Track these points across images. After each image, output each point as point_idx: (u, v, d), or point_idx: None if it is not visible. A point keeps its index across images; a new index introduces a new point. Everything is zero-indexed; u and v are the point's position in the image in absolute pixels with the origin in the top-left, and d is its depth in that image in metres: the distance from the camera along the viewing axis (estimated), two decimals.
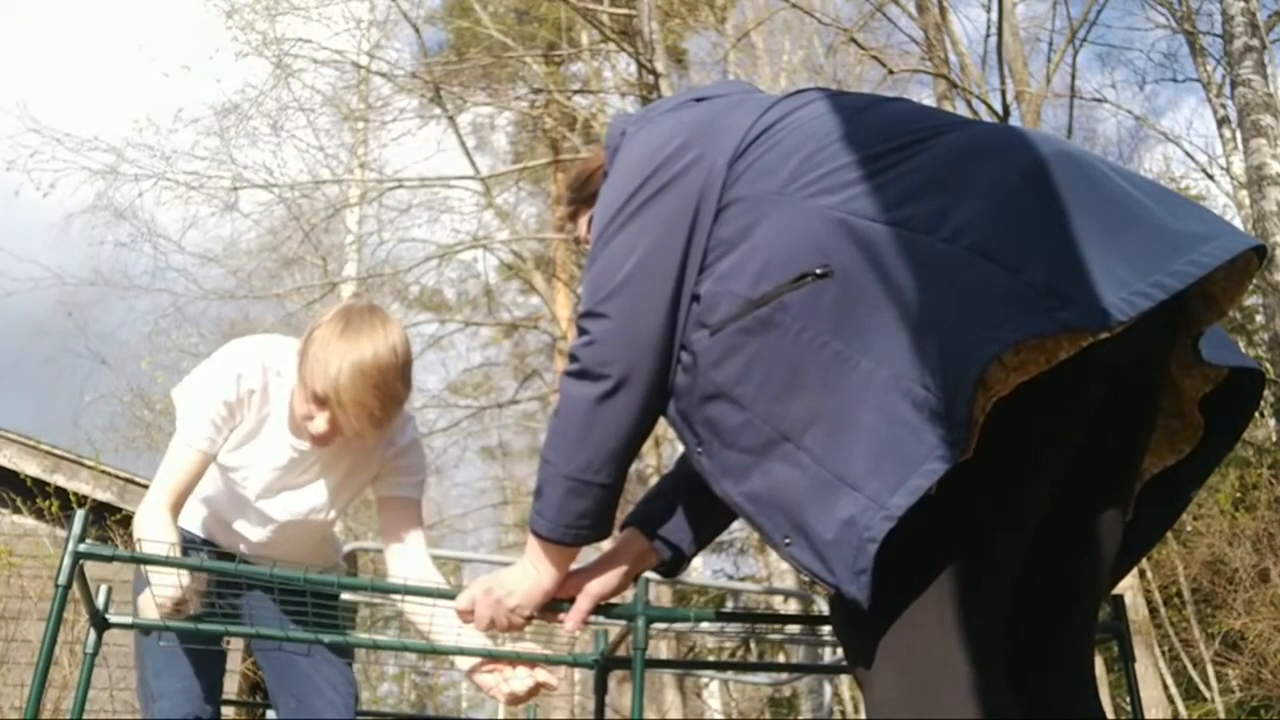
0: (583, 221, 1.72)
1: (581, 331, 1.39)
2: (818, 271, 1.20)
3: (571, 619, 1.66)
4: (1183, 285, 1.09)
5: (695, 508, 1.66)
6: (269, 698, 2.28)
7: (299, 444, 2.13)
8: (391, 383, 1.93)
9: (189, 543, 2.19)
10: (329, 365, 1.89)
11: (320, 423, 1.96)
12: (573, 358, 1.40)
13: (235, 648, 2.34)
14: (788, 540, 1.19)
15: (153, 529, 1.95)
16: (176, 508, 2.02)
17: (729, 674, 9.31)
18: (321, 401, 1.93)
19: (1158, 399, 1.32)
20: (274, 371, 2.11)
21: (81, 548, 1.67)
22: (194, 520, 2.26)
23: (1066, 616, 1.36)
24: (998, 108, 9.35)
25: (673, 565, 1.70)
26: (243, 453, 2.15)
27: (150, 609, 1.89)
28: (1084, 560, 1.35)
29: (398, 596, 1.95)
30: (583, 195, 1.71)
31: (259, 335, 2.21)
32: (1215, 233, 1.16)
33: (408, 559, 2.11)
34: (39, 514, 5.91)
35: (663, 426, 1.46)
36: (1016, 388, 1.12)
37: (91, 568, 1.83)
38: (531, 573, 1.56)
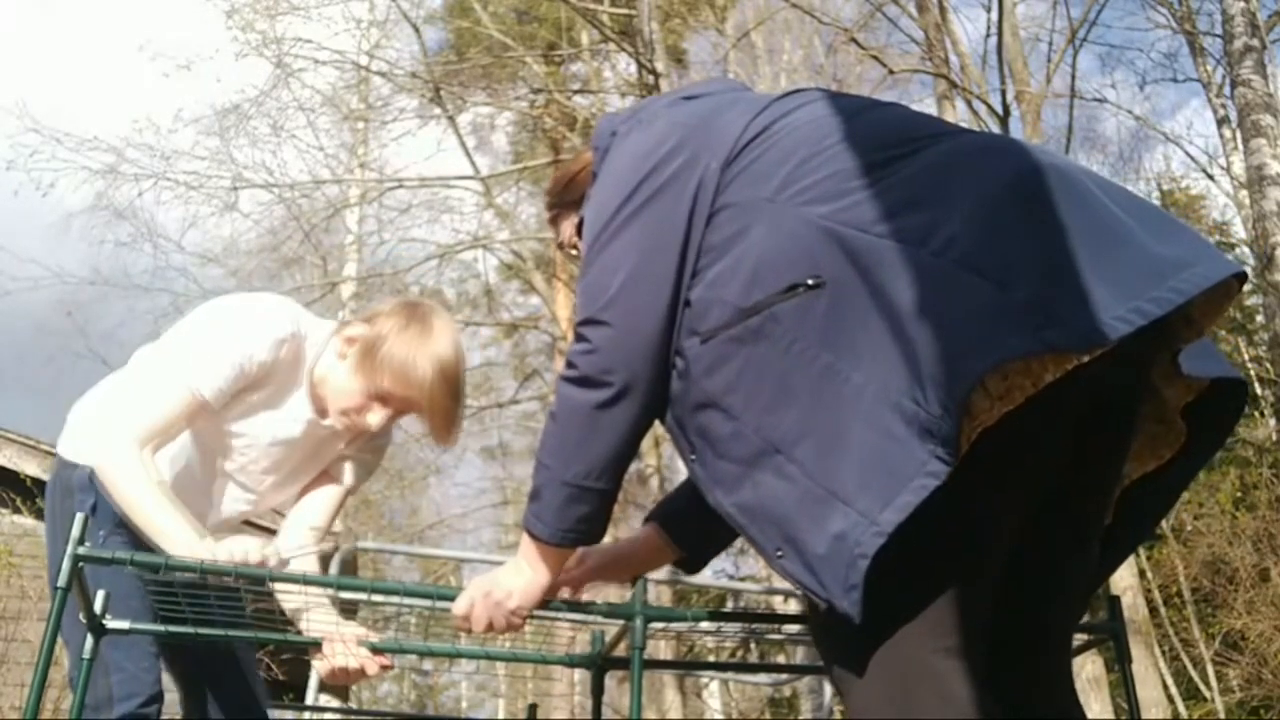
0: (565, 226, 1.71)
1: (580, 339, 1.38)
2: (809, 282, 1.20)
3: (569, 588, 1.75)
4: (1163, 312, 1.10)
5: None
6: (180, 687, 2.21)
7: (316, 420, 2.08)
8: (464, 386, 1.99)
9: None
10: (421, 374, 1.91)
11: (378, 418, 1.97)
12: (570, 364, 1.40)
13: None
14: (780, 553, 1.19)
15: (153, 493, 1.80)
16: (156, 450, 1.87)
17: (729, 674, 9.30)
18: (388, 401, 1.95)
19: (1136, 412, 1.33)
20: (304, 340, 2.05)
21: (81, 550, 1.66)
22: None
23: (1047, 623, 1.36)
24: (998, 108, 9.35)
25: (692, 563, 1.76)
26: (253, 421, 2.06)
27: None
28: (1063, 566, 1.36)
29: (395, 596, 1.95)
30: (565, 200, 1.70)
31: (279, 297, 2.12)
32: (1197, 257, 1.17)
33: (304, 525, 2.08)
34: (39, 514, 5.90)
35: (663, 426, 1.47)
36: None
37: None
38: (528, 572, 1.57)
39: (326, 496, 2.16)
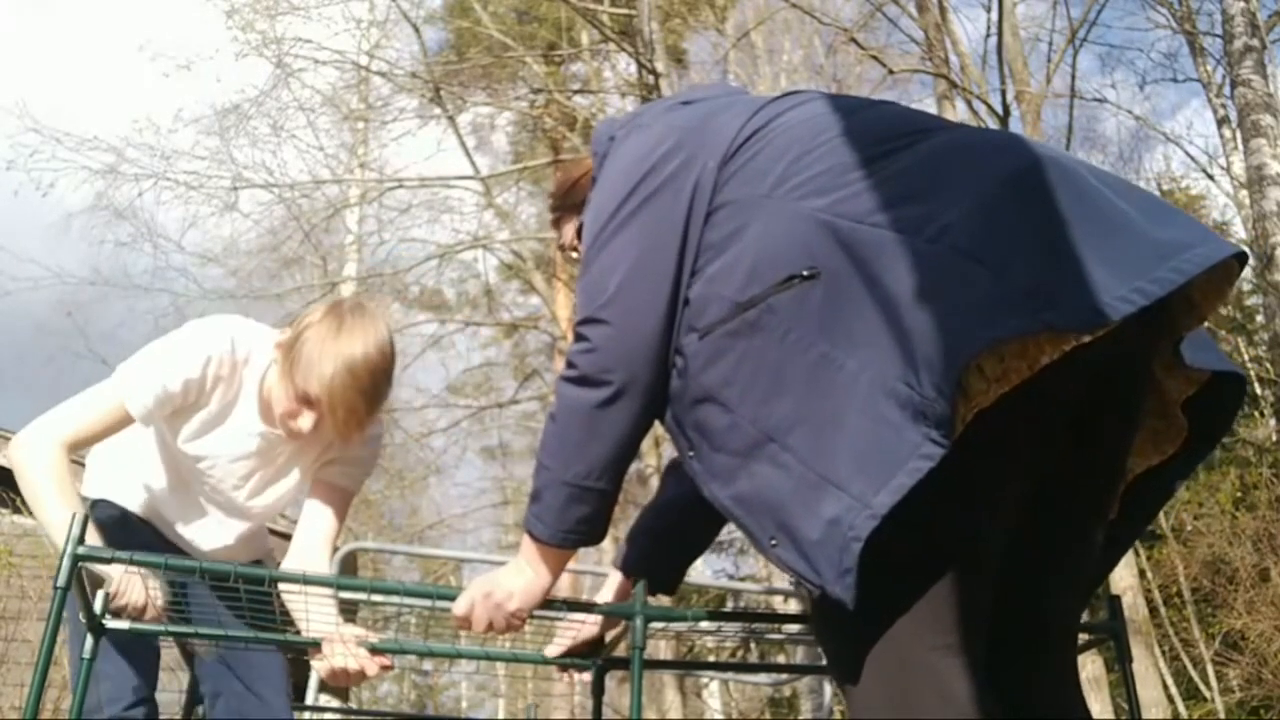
0: (567, 229, 1.74)
1: (579, 338, 1.39)
2: (804, 273, 1.21)
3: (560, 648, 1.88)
4: (1164, 292, 1.10)
5: (677, 537, 1.81)
6: (199, 687, 2.24)
7: (270, 431, 2.08)
8: (380, 385, 1.94)
9: (135, 535, 2.13)
10: (324, 370, 1.88)
11: (306, 422, 1.94)
12: (570, 364, 1.40)
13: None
14: (774, 542, 1.19)
15: (53, 486, 1.87)
16: (73, 452, 1.94)
17: (729, 674, 9.30)
18: (311, 403, 1.92)
19: (1140, 400, 1.33)
20: (243, 360, 2.06)
21: (81, 549, 1.66)
22: (142, 508, 2.19)
23: (1048, 618, 1.36)
24: (998, 108, 9.34)
25: (668, 590, 1.86)
26: (205, 441, 2.09)
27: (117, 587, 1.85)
28: (1066, 561, 1.36)
29: (395, 596, 1.95)
30: (567, 203, 1.73)
31: (229, 316, 2.16)
32: (1197, 239, 1.16)
33: (308, 554, 2.07)
34: None
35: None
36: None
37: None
38: (529, 572, 1.57)
39: (325, 519, 2.14)
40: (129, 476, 2.16)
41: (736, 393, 1.24)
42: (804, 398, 1.18)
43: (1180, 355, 1.29)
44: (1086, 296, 1.07)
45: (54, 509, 1.84)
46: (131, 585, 1.84)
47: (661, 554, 1.84)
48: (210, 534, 2.21)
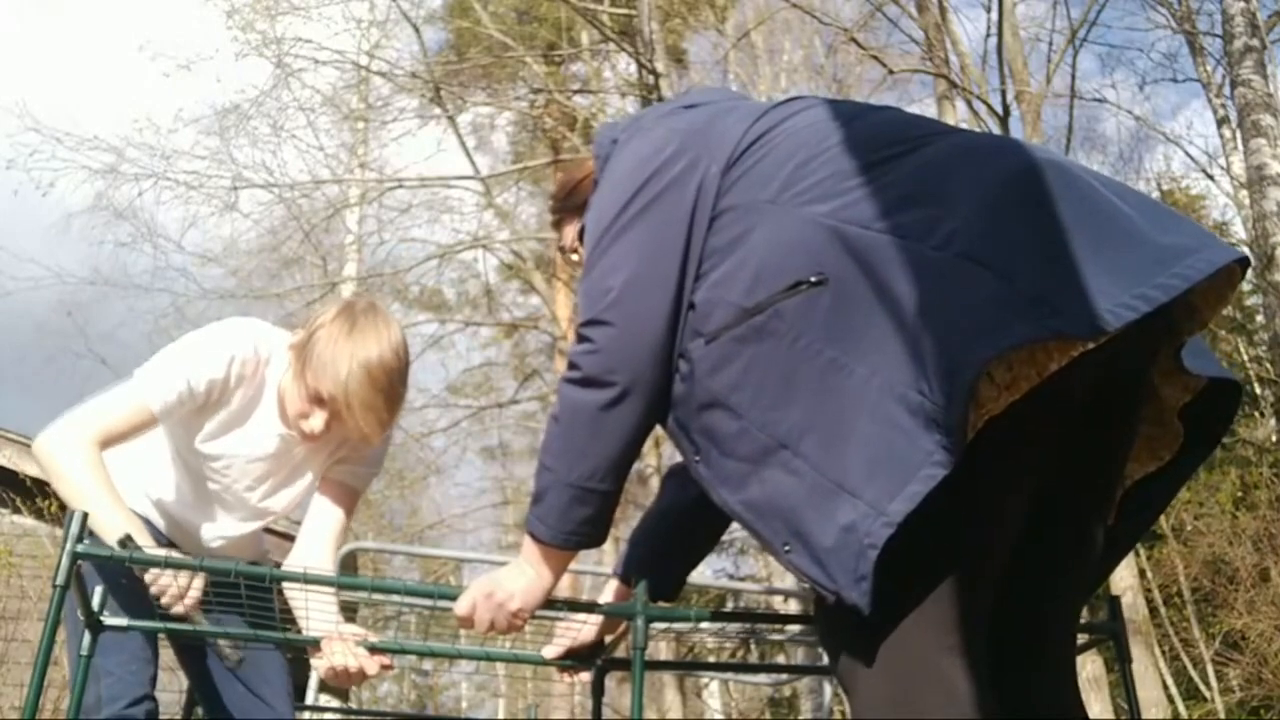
0: (568, 231, 1.74)
1: (582, 339, 1.39)
2: (812, 279, 1.21)
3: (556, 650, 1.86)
4: (1167, 298, 1.11)
5: (677, 544, 1.81)
6: (195, 688, 2.23)
7: (289, 433, 2.09)
8: (396, 385, 1.95)
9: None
10: (338, 369, 1.88)
11: (318, 422, 1.95)
12: (573, 365, 1.40)
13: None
14: (787, 548, 1.19)
15: (93, 481, 1.86)
16: (102, 450, 1.93)
17: (729, 674, 9.30)
18: (323, 402, 1.93)
19: (1140, 407, 1.33)
20: (265, 360, 2.08)
21: (79, 548, 1.66)
22: (154, 515, 2.19)
23: (1049, 618, 1.37)
24: (998, 108, 9.35)
25: (666, 599, 1.85)
26: (224, 441, 2.10)
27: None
28: (1066, 563, 1.36)
29: (396, 596, 1.95)
30: (569, 205, 1.73)
31: (251, 319, 2.17)
32: (1199, 245, 1.17)
33: (313, 551, 2.07)
34: (39, 514, 5.90)
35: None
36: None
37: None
38: (530, 573, 1.57)
39: (333, 517, 2.14)
40: (134, 477, 2.16)
41: (745, 398, 1.24)
42: (814, 404, 1.18)
43: (1180, 361, 1.30)
44: (1090, 303, 1.08)
45: (103, 509, 1.83)
46: (174, 574, 1.83)
47: (661, 562, 1.83)
48: (212, 535, 2.21)
